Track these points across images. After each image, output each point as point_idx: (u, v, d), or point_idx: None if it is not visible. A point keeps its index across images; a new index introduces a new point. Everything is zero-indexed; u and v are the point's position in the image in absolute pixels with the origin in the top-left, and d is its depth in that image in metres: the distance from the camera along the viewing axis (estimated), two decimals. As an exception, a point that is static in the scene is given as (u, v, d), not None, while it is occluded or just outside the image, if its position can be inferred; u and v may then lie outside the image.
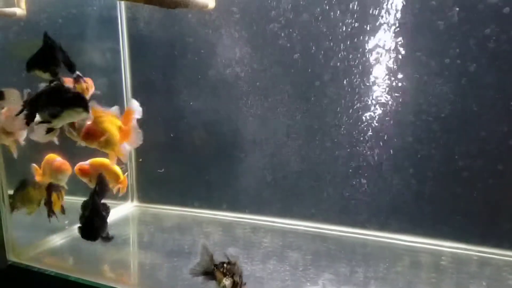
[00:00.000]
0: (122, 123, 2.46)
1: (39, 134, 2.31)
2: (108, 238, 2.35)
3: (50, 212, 2.63)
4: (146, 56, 3.33)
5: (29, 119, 2.17)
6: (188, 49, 3.13)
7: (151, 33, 3.22)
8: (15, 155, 2.61)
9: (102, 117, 2.43)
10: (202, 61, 3.11)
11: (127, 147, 2.46)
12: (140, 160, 3.45)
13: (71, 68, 2.34)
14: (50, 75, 2.30)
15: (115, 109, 2.46)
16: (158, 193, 3.53)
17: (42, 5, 2.91)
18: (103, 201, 2.33)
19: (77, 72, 2.65)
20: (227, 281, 1.91)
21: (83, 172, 2.58)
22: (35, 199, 2.65)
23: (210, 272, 1.97)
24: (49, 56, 2.29)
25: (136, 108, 2.48)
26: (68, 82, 2.57)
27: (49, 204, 2.63)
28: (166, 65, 3.23)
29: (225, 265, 1.98)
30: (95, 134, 2.40)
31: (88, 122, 2.35)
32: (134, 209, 3.55)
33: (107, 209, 2.34)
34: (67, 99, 2.06)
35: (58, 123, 2.13)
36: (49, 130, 2.19)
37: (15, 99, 2.42)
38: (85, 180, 2.58)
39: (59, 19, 3.01)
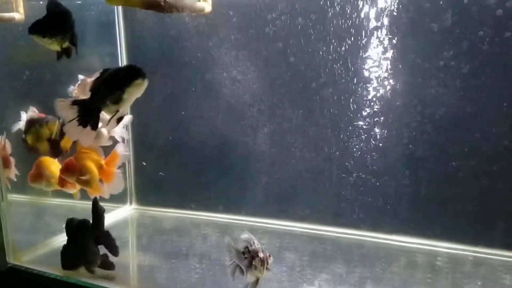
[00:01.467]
0: (105, 164, 2.48)
1: (111, 126, 2.14)
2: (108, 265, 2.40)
3: (57, 150, 2.62)
4: (143, 61, 3.34)
5: (94, 125, 2.02)
6: (185, 53, 3.14)
7: (149, 38, 3.24)
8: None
9: (85, 153, 2.46)
10: (200, 65, 3.12)
11: (106, 189, 2.47)
12: (144, 163, 3.46)
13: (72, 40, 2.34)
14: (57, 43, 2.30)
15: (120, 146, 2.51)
16: (156, 196, 3.55)
17: (41, 10, 2.92)
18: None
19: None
20: (258, 263, 2.02)
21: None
22: (45, 135, 2.65)
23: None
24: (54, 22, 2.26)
25: (122, 153, 2.51)
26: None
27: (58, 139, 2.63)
28: (163, 69, 3.25)
29: (249, 250, 2.07)
30: (74, 169, 2.43)
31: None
32: (132, 211, 3.57)
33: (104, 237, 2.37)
34: (120, 78, 1.91)
35: (124, 106, 1.98)
36: (120, 119, 2.07)
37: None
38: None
39: (57, 24, 3.02)
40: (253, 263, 2.05)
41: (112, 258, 2.41)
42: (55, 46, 2.33)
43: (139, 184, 3.57)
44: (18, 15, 2.71)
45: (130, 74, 1.89)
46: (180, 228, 3.25)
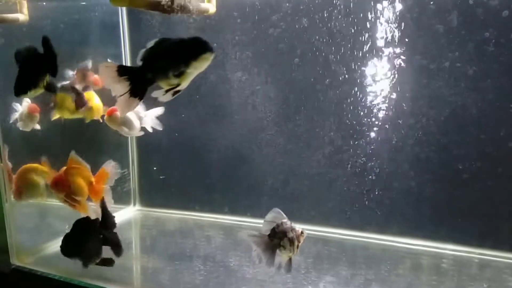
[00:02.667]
0: (94, 181, 2.45)
1: (168, 96, 1.89)
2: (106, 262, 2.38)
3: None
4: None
5: (141, 96, 1.85)
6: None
7: (152, 38, 3.23)
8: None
9: (75, 168, 2.42)
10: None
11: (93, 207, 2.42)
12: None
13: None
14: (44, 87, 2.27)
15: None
16: (160, 197, 3.55)
17: (45, 11, 2.93)
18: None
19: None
20: (286, 244, 2.04)
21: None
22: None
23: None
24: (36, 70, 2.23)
25: (111, 171, 2.46)
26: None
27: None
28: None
29: (275, 231, 2.07)
30: (63, 184, 2.39)
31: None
32: (136, 213, 3.56)
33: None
34: (186, 51, 1.74)
35: (187, 80, 1.81)
36: (176, 92, 1.86)
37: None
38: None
39: (61, 25, 3.02)
40: (281, 243, 2.04)
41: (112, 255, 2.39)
42: (40, 90, 2.34)
43: (143, 185, 3.56)
44: (22, 16, 2.70)
45: (198, 47, 1.74)
46: (184, 229, 3.25)
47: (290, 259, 2.10)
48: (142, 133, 2.74)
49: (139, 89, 1.82)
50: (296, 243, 2.07)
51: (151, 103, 2.69)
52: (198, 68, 1.76)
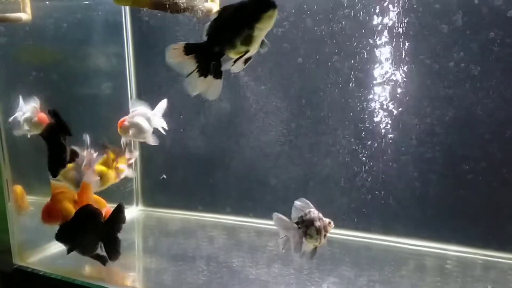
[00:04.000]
0: (78, 198, 2.47)
1: (239, 65, 1.78)
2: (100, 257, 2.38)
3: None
4: (151, 61, 3.34)
5: (218, 74, 1.77)
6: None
7: (156, 38, 3.24)
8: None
9: (61, 193, 2.45)
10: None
11: None
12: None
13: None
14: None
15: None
16: (163, 197, 3.54)
17: (48, 10, 2.93)
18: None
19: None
20: (313, 232, 2.07)
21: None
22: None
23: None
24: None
25: (92, 181, 2.49)
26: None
27: None
28: (170, 70, 3.23)
29: (303, 219, 2.11)
30: (56, 214, 2.41)
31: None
32: (139, 213, 3.56)
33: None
34: (247, 14, 1.61)
35: (255, 44, 1.69)
36: (248, 60, 1.77)
37: None
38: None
39: (64, 24, 3.02)
40: (308, 232, 2.06)
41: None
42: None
43: (145, 185, 3.56)
44: (25, 15, 2.69)
45: (258, 7, 1.60)
46: (186, 229, 3.24)
47: (315, 248, 2.12)
48: (157, 141, 2.74)
49: (208, 65, 1.75)
50: (323, 232, 2.09)
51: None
52: (263, 29, 1.65)
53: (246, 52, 1.69)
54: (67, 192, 2.47)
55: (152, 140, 2.72)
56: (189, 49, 1.73)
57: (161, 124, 2.73)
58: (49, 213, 2.43)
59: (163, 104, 2.72)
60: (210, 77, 1.75)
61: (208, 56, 1.73)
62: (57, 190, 2.46)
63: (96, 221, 2.32)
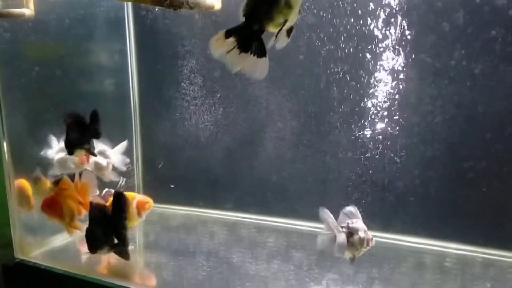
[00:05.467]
0: (80, 197, 2.49)
1: (283, 40, 1.75)
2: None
3: None
4: (153, 57, 3.34)
5: (261, 52, 1.74)
6: (195, 49, 3.14)
7: (158, 34, 3.24)
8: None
9: (68, 190, 2.46)
10: (209, 62, 3.11)
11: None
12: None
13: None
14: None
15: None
16: (164, 193, 3.54)
17: (51, 6, 2.93)
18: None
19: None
20: (356, 241, 2.12)
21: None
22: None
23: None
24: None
25: (90, 180, 2.51)
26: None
27: None
28: (173, 66, 3.24)
29: (349, 225, 2.14)
30: (56, 207, 2.43)
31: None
32: (140, 208, 3.56)
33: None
34: None
35: (294, 13, 1.65)
36: (290, 30, 1.73)
37: None
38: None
39: (66, 20, 3.02)
40: (350, 239, 2.09)
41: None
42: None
43: (147, 181, 3.56)
44: (28, 11, 2.70)
45: None
46: (187, 225, 3.25)
47: (353, 258, 2.16)
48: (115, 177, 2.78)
49: (248, 42, 1.73)
50: (364, 244, 2.13)
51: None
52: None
53: (285, 22, 1.65)
54: (73, 191, 2.48)
55: (112, 177, 2.77)
56: (229, 33, 1.73)
57: (120, 162, 2.78)
58: (50, 205, 2.44)
59: (123, 145, 2.80)
60: (254, 57, 1.74)
61: (248, 35, 1.71)
62: (65, 186, 2.46)
63: (105, 215, 2.34)
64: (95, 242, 2.31)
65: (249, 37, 1.71)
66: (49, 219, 2.49)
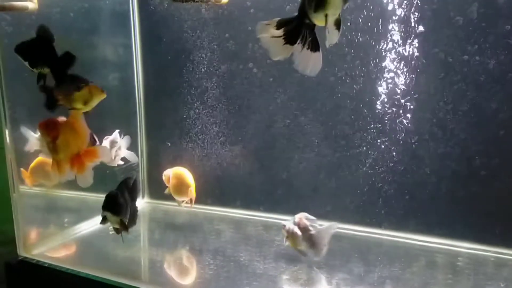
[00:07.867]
0: (82, 154, 2.22)
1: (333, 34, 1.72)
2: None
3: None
4: (158, 51, 3.31)
5: (315, 46, 1.74)
6: (200, 43, 3.10)
7: (164, 28, 3.21)
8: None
9: (73, 129, 2.21)
10: (215, 56, 3.08)
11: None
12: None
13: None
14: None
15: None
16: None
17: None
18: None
19: None
20: None
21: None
22: None
23: None
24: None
25: (101, 154, 2.31)
26: None
27: None
28: (178, 60, 3.21)
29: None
30: (54, 127, 2.16)
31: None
32: (145, 205, 3.54)
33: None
34: None
35: (333, 6, 1.60)
36: (338, 24, 1.71)
37: None
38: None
39: (71, 13, 2.99)
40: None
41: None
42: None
43: (152, 178, 3.53)
44: (31, 4, 2.66)
45: None
46: (193, 222, 3.21)
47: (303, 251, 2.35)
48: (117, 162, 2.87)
49: (296, 36, 1.74)
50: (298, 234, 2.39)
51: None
52: None
53: (326, 16, 1.62)
54: (80, 135, 2.22)
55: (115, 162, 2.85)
56: (281, 24, 1.75)
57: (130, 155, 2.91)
58: (49, 125, 2.16)
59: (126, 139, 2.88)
60: (307, 51, 1.74)
61: (299, 28, 1.72)
62: (76, 124, 2.22)
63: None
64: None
65: (300, 30, 1.72)
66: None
